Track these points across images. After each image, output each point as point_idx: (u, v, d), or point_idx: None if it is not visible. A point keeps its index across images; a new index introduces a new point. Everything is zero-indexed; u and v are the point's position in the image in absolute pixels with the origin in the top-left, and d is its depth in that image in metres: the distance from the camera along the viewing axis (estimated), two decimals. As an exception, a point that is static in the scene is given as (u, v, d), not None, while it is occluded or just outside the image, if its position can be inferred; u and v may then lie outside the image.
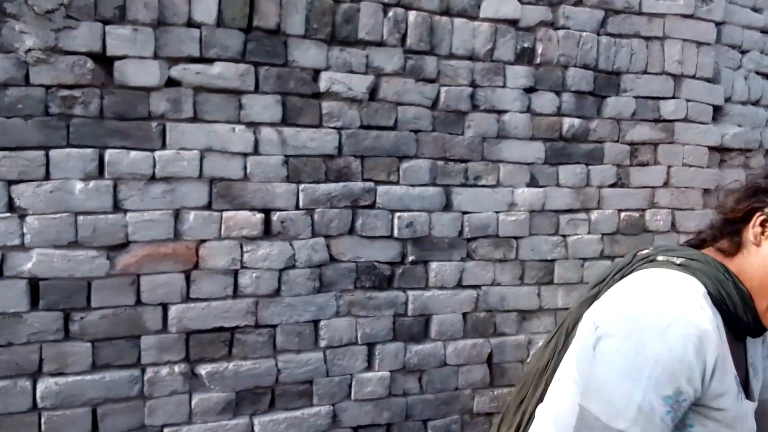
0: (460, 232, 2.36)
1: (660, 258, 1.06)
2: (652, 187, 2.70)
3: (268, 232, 2.10)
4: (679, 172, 2.75)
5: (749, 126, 2.95)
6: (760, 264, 1.03)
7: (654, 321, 0.94)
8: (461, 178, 2.35)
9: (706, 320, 0.95)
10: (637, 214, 2.67)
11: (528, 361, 1.32)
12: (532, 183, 2.46)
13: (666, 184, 2.72)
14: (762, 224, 1.02)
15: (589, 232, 2.57)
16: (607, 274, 1.13)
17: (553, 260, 2.51)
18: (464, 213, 2.36)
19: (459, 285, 2.37)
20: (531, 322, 2.50)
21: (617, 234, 2.63)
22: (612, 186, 2.61)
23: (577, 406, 1.01)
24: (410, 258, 2.29)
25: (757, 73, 2.98)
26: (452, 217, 2.34)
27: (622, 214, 2.64)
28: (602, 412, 0.95)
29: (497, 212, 2.41)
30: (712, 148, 2.83)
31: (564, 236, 2.53)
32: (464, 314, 2.38)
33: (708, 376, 0.94)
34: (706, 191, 2.83)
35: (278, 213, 2.10)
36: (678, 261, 1.04)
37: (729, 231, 1.07)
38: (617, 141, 2.61)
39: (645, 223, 2.69)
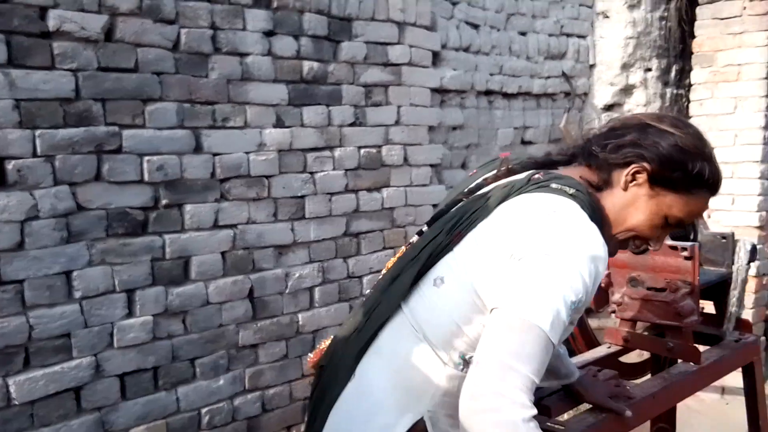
0: (213, 174, 2.40)
1: (554, 185, 1.22)
2: (386, 125, 2.97)
3: (3, 182, 1.95)
4: (408, 111, 3.06)
5: (462, 70, 3.37)
6: (621, 204, 1.28)
7: (571, 244, 1.12)
8: (209, 120, 2.39)
9: (603, 246, 1.15)
10: (374, 151, 2.93)
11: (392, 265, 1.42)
12: (279, 123, 2.58)
13: (398, 123, 3.02)
14: (633, 175, 1.26)
15: (334, 169, 2.77)
16: (495, 188, 1.29)
17: (303, 196, 2.67)
18: (215, 154, 2.40)
19: (215, 225, 2.42)
20: (287, 256, 2.64)
21: (359, 169, 2.87)
22: (351, 125, 2.83)
23: (487, 313, 1.15)
24: (164, 202, 2.28)
25: (466, 23, 3.40)
26: (203, 159, 2.37)
27: (362, 151, 2.88)
28: (519, 308, 1.08)
29: (247, 153, 2.49)
30: (433, 90, 3.19)
31: (312, 173, 2.70)
32: (223, 253, 2.44)
33: (591, 287, 1.14)
34: (430, 128, 3.19)
35: (13, 161, 1.96)
36: (570, 191, 1.21)
37: (602, 167, 1.30)
38: (353, 83, 2.83)
39: (382, 158, 2.96)
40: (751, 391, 2.29)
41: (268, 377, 2.58)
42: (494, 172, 1.38)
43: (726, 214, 4.08)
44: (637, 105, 4.35)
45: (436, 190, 3.21)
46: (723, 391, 4.06)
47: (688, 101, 4.44)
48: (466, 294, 1.21)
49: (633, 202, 1.28)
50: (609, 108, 4.31)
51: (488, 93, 3.60)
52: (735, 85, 4.12)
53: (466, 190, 1.39)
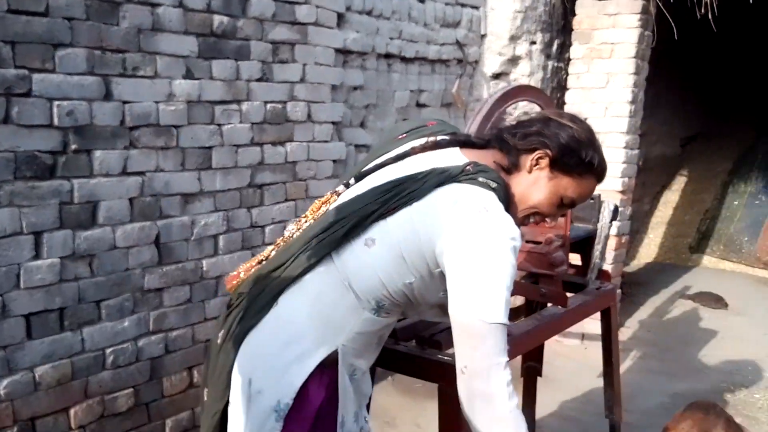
0: (122, 122, 2.45)
1: (481, 179, 1.42)
2: (291, 82, 3.09)
3: None
4: (312, 70, 3.19)
5: (364, 33, 3.52)
6: (525, 185, 1.52)
7: (504, 239, 1.34)
8: (120, 68, 2.42)
9: (517, 229, 1.38)
10: (280, 106, 3.05)
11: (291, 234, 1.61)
12: (188, 75, 2.64)
13: (302, 80, 3.14)
14: (537, 160, 1.51)
15: (241, 122, 2.87)
16: (421, 171, 1.47)
17: (210, 147, 2.76)
18: (125, 102, 2.44)
19: (124, 172, 2.47)
20: (193, 204, 2.73)
21: (264, 123, 2.98)
22: (258, 80, 2.93)
23: (410, 277, 1.42)
24: (73, 147, 2.31)
25: (370, -13, 3.54)
26: (113, 107, 2.41)
27: (268, 106, 2.99)
28: (480, 313, 1.31)
29: (157, 102, 2.55)
30: (337, 50, 3.32)
31: (219, 125, 2.79)
32: (131, 200, 2.51)
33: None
34: (333, 87, 3.33)
35: None
36: (492, 185, 1.42)
37: (512, 153, 1.53)
38: (261, 40, 2.92)
39: (287, 114, 3.09)
40: (606, 332, 2.67)
41: (171, 320, 2.70)
42: (422, 142, 1.58)
43: (594, 179, 4.51)
44: (522, 75, 4.67)
45: (336, 147, 3.38)
46: (583, 337, 4.57)
47: (567, 74, 4.83)
48: (394, 259, 1.42)
49: (535, 183, 1.53)
50: (497, 76, 4.61)
51: (387, 56, 3.77)
52: (608, 61, 4.53)
53: (395, 155, 1.58)
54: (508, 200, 1.48)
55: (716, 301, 5.38)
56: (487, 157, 1.53)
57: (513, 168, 1.54)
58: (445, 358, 1.89)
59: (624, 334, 4.73)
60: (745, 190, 6.91)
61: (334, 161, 3.39)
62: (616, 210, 2.64)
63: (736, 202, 6.89)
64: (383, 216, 1.44)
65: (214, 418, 1.52)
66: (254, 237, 3.01)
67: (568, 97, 4.70)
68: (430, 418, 3.47)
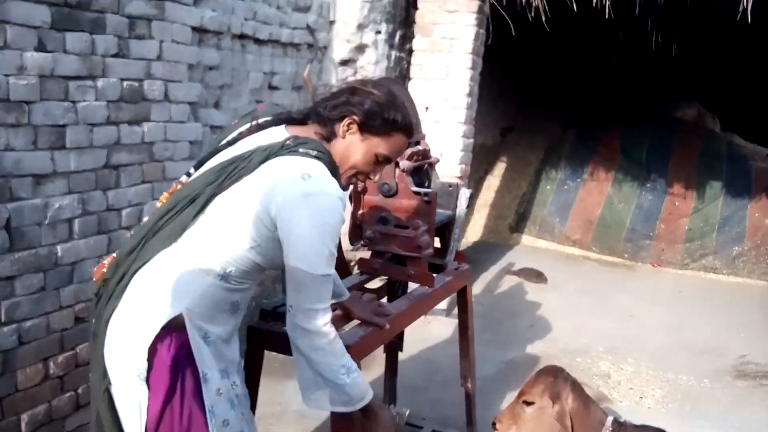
0: (-32, 94, 2.23)
1: (301, 150, 1.60)
2: (148, 59, 2.97)
3: None
4: (170, 47, 3.09)
5: (221, 11, 3.46)
6: (342, 149, 1.71)
7: (326, 199, 1.54)
8: (-35, 35, 2.20)
9: (340, 191, 1.58)
10: (136, 84, 2.92)
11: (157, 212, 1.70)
12: (41, 47, 2.46)
13: (159, 58, 3.03)
14: (348, 125, 1.70)
15: (96, 99, 2.72)
16: (253, 149, 1.64)
17: (64, 125, 2.59)
18: (-29, 74, 2.23)
19: (-31, 150, 2.27)
20: (46, 186, 2.55)
21: (121, 102, 2.85)
22: (115, 56, 2.79)
23: (244, 244, 1.57)
24: None
25: (226, -34, 3.48)
26: (-43, 78, 2.20)
27: (125, 83, 2.85)
28: (304, 265, 1.53)
29: (7, 75, 2.35)
30: (193, 29, 3.24)
31: (74, 102, 2.62)
32: (-23, 180, 2.30)
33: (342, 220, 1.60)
34: (190, 66, 3.25)
35: None
36: (314, 154, 1.61)
37: (327, 123, 1.71)
38: (117, 13, 2.77)
39: (144, 92, 2.97)
40: (463, 309, 2.89)
41: (24, 309, 2.51)
42: (248, 126, 1.75)
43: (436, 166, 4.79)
44: (368, 62, 4.83)
45: (193, 127, 3.30)
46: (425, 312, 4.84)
47: (410, 64, 5.06)
48: (234, 230, 1.59)
49: (350, 146, 1.73)
50: (345, 63, 4.72)
51: (242, 37, 3.73)
52: (448, 55, 4.81)
53: (225, 141, 1.74)
54: (334, 167, 1.67)
55: (537, 276, 5.96)
56: (308, 131, 1.72)
57: (331, 136, 1.72)
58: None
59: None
60: (555, 177, 7.65)
61: (191, 142, 3.31)
62: (471, 197, 2.87)
63: (548, 187, 7.61)
64: (216, 194, 1.61)
65: (102, 400, 1.62)
66: (110, 220, 2.88)
67: (411, 86, 4.93)
68: (290, 395, 3.55)
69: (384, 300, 2.65)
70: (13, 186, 2.42)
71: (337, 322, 2.08)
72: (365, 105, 1.69)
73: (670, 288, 6.26)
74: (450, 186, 2.80)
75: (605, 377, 4.15)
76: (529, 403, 2.08)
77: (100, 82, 2.73)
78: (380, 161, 1.76)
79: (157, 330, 1.55)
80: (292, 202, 1.53)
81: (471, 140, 5.01)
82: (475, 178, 7.99)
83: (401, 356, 3.26)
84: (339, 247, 2.62)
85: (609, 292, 5.85)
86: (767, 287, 6.51)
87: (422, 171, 2.77)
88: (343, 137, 1.71)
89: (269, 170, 1.59)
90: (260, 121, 1.74)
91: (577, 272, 6.41)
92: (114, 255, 1.70)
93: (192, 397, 1.58)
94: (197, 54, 3.31)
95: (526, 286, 5.81)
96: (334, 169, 1.65)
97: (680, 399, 3.94)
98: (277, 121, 1.74)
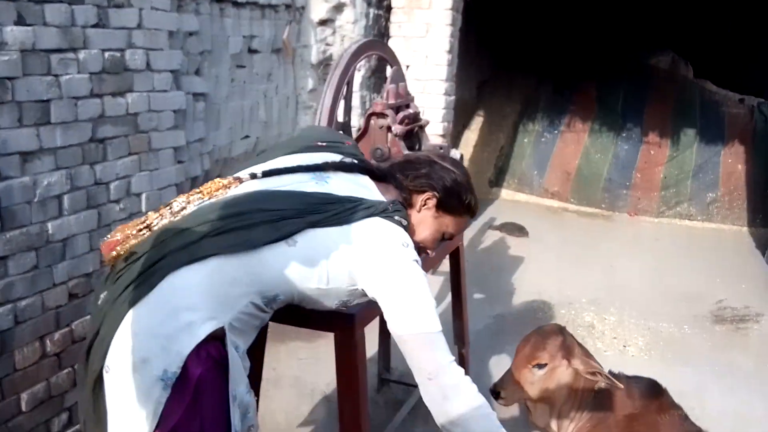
0: (-51, 73, 2.17)
1: (396, 218, 1.58)
2: (128, 28, 2.90)
3: None
4: (149, 15, 3.01)
5: (198, -25, 3.37)
6: (415, 222, 1.71)
7: (417, 266, 1.55)
8: (-58, 12, 2.13)
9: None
10: (118, 54, 2.86)
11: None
12: (20, 21, 2.39)
13: (140, 26, 2.96)
14: (426, 201, 1.70)
15: (79, 72, 2.66)
16: (347, 202, 1.58)
17: (48, 100, 2.54)
18: (-49, 52, 2.17)
19: (-46, 131, 2.21)
20: (33, 163, 2.51)
21: (103, 73, 2.79)
22: (95, 26, 2.72)
23: (322, 286, 1.54)
24: None
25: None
26: (-62, 57, 2.13)
27: (106, 54, 2.79)
28: (426, 328, 1.49)
29: (-13, 51, 2.29)
30: (172, -6, 3.16)
31: (56, 76, 2.56)
32: (-35, 161, 2.26)
33: None
34: (170, 34, 3.18)
35: None
36: (404, 223, 1.60)
37: (404, 191, 1.70)
38: (95, -19, 2.70)
39: (125, 63, 2.91)
40: (456, 270, 2.94)
41: (19, 289, 2.49)
42: (336, 159, 1.70)
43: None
44: (347, 21, 4.76)
45: (176, 96, 3.25)
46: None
47: (389, 22, 5.00)
48: (313, 266, 1.52)
49: (423, 221, 1.73)
50: (323, 23, 4.65)
51: (220, 1, 3.66)
52: (427, 12, 4.76)
53: (312, 164, 1.67)
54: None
55: (519, 230, 6.04)
56: (393, 194, 1.71)
57: (408, 203, 1.71)
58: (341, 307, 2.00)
59: (445, 265, 5.15)
60: (532, 129, 7.70)
61: (175, 111, 3.26)
62: (461, 158, 2.89)
63: (525, 140, 7.66)
64: (313, 225, 1.53)
65: (91, 379, 1.49)
66: (99, 195, 2.84)
67: (391, 45, 4.88)
68: (284, 360, 3.60)
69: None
70: (0, 165, 2.38)
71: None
72: (446, 183, 1.71)
73: (648, 236, 6.40)
74: (441, 148, 2.81)
75: (590, 328, 4.26)
76: (541, 366, 2.12)
77: (81, 55, 2.66)
78: (444, 238, 1.79)
79: (201, 338, 1.43)
80: (394, 269, 1.53)
81: (453, 98, 5.01)
82: (453, 133, 7.99)
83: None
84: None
85: (589, 243, 5.96)
86: (740, 232, 6.69)
87: (413, 134, 2.78)
88: (419, 211, 1.72)
89: (369, 228, 1.56)
90: (347, 159, 1.72)
91: (557, 224, 6.51)
92: (128, 231, 1.56)
93: (212, 411, 1.48)
94: (177, 21, 3.24)
95: (508, 240, 5.89)
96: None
97: (662, 346, 4.08)
98: (363, 170, 1.72)
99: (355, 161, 1.74)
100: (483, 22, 7.70)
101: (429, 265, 2.63)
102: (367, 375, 2.04)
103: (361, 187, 1.67)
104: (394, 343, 3.43)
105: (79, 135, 2.70)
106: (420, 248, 1.73)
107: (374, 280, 1.54)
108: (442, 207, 1.72)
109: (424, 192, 1.71)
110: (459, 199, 1.72)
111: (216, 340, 1.46)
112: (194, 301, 1.45)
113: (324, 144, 1.77)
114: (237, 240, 1.48)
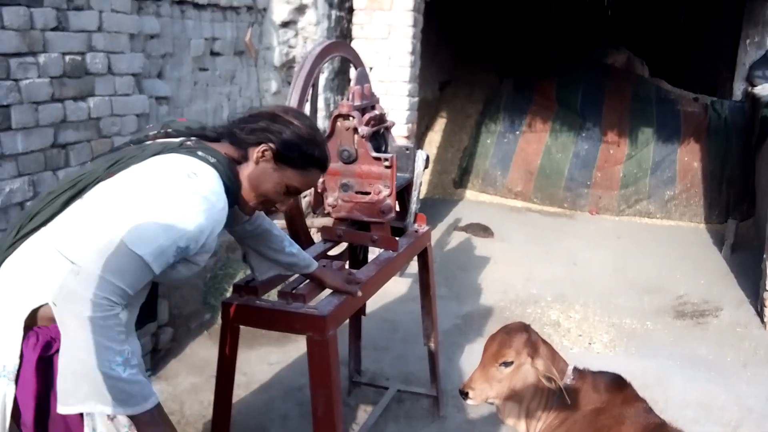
0: None
1: (200, 153, 1.54)
2: (88, 31, 2.86)
3: None
4: (109, 17, 2.97)
5: (159, -22, 3.33)
6: (254, 175, 1.66)
7: (198, 202, 1.45)
8: None
9: (222, 203, 1.52)
10: (79, 58, 2.81)
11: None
12: (-23, 24, 2.34)
13: (100, 29, 2.92)
14: (262, 152, 1.64)
15: (39, 76, 2.61)
16: (147, 147, 1.59)
17: (8, 105, 2.48)
18: None
19: None
20: (-7, 169, 2.47)
21: (64, 77, 2.74)
22: (54, 29, 2.67)
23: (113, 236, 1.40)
24: None
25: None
26: None
27: (66, 58, 2.75)
28: (132, 241, 1.38)
29: (-57, 55, 2.23)
30: (133, -4, 3.12)
31: (16, 80, 2.51)
32: None
33: (205, 240, 1.50)
34: (131, 36, 3.14)
35: None
36: (211, 160, 1.55)
37: (240, 145, 1.65)
38: (53, -17, 2.65)
39: (87, 66, 2.86)
40: (424, 270, 2.96)
41: (-20, 298, 2.43)
42: (155, 132, 1.69)
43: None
44: (309, 23, 4.76)
45: (139, 100, 3.21)
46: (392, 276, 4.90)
47: (351, 23, 5.01)
48: (100, 217, 1.48)
49: (262, 173, 1.69)
50: (285, 24, 4.63)
51: (181, 2, 3.62)
52: (389, 13, 4.78)
53: (130, 142, 1.68)
54: (235, 183, 1.63)
55: (484, 230, 6.09)
56: (226, 148, 1.65)
57: (242, 159, 1.66)
58: (310, 310, 2.01)
59: (413, 266, 5.18)
60: (495, 129, 7.77)
61: (138, 115, 3.22)
62: (427, 159, 2.90)
63: (488, 140, 7.72)
64: (100, 179, 1.54)
65: None
66: (62, 201, 2.79)
67: (354, 47, 4.89)
68: (254, 365, 3.58)
69: (346, 265, 2.68)
70: (-41, 172, 2.33)
71: (311, 292, 2.11)
72: (284, 135, 1.66)
73: (609, 234, 6.52)
74: (407, 149, 2.82)
75: (555, 326, 4.33)
76: (507, 364, 2.14)
77: (41, 58, 2.62)
78: (290, 192, 1.73)
79: (21, 326, 1.45)
80: (163, 187, 1.47)
81: (416, 99, 5.04)
82: (417, 134, 8.03)
83: (363, 318, 3.32)
84: (300, 216, 2.64)
85: (553, 242, 6.05)
86: (697, 228, 6.86)
87: (379, 135, 2.78)
88: (256, 163, 1.66)
89: (158, 162, 1.53)
90: (171, 129, 1.67)
91: (521, 224, 6.59)
92: None
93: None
94: (137, 23, 3.20)
95: (474, 240, 5.94)
96: (231, 188, 1.60)
97: (626, 342, 4.16)
98: (187, 133, 1.67)
99: (178, 128, 1.69)
100: (445, 19, 7.77)
101: (397, 265, 2.65)
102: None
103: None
104: (364, 345, 3.46)
105: (40, 140, 2.66)
106: (268, 201, 1.72)
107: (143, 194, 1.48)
108: (281, 159, 1.67)
109: (260, 144, 1.66)
110: (300, 152, 1.67)
111: (48, 320, 1.48)
112: (14, 290, 1.50)
113: (151, 126, 1.78)
114: (41, 217, 1.53)
